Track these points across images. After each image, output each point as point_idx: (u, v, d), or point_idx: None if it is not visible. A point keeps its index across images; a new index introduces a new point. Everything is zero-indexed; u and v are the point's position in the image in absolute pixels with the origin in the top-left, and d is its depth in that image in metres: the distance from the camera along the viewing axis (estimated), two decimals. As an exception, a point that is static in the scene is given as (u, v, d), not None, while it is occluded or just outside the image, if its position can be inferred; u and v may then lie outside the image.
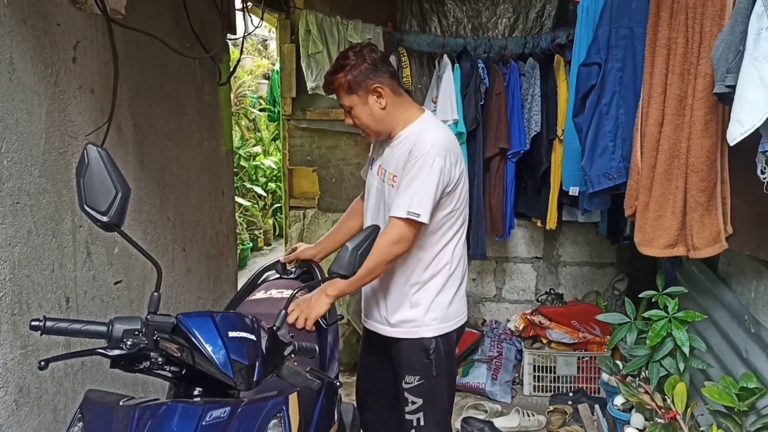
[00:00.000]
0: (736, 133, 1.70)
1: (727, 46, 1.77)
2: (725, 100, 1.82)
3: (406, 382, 2.17)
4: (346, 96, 2.12)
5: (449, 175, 2.06)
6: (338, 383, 1.68)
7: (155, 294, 1.40)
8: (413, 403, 2.18)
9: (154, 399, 1.36)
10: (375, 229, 1.73)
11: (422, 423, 2.18)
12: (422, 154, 2.03)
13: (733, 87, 1.73)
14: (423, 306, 2.14)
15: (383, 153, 2.23)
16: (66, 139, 1.93)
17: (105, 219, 1.31)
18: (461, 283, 2.25)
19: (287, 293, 2.21)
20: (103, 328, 1.35)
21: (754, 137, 1.68)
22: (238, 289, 2.75)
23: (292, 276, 2.43)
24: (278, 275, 2.43)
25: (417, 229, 2.06)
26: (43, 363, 1.28)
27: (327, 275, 1.67)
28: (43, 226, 1.81)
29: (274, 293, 2.23)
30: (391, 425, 2.37)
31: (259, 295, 2.24)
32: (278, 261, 2.47)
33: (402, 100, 2.17)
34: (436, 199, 2.05)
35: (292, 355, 1.55)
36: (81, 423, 1.31)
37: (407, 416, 2.19)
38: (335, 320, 2.25)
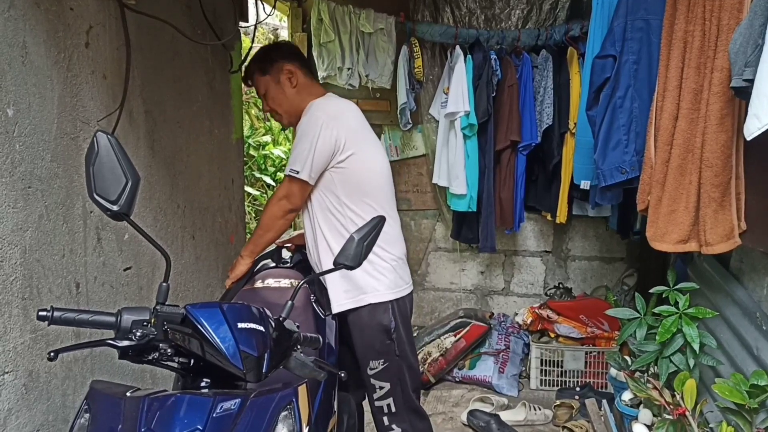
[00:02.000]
0: (753, 128, 1.68)
1: (745, 39, 1.74)
2: (742, 94, 1.80)
3: (370, 368, 2.17)
4: (261, 78, 2.33)
5: (333, 136, 2.12)
6: (342, 374, 1.67)
7: (164, 284, 1.39)
8: (381, 388, 2.17)
9: (162, 390, 1.36)
10: (381, 221, 1.71)
11: (393, 409, 2.17)
12: (306, 118, 2.18)
13: (751, 81, 1.70)
14: (363, 271, 2.10)
15: None
16: (78, 125, 1.92)
17: (115, 208, 1.30)
18: (399, 257, 2.27)
19: (284, 282, 2.22)
20: (112, 319, 1.34)
21: (771, 132, 1.66)
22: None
23: (288, 265, 2.42)
24: (274, 264, 2.43)
25: (300, 186, 2.15)
26: (52, 354, 1.27)
27: (333, 266, 1.66)
28: (54, 211, 1.82)
29: (271, 282, 2.23)
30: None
31: (256, 284, 2.24)
32: (274, 250, 2.47)
33: (313, 84, 2.34)
34: (319, 157, 2.12)
35: (298, 346, 1.55)
36: (88, 414, 1.31)
37: (377, 403, 2.19)
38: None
